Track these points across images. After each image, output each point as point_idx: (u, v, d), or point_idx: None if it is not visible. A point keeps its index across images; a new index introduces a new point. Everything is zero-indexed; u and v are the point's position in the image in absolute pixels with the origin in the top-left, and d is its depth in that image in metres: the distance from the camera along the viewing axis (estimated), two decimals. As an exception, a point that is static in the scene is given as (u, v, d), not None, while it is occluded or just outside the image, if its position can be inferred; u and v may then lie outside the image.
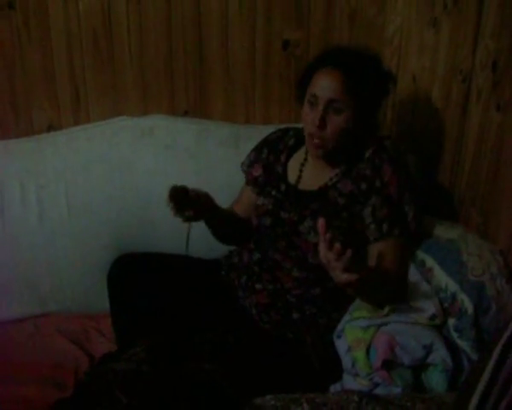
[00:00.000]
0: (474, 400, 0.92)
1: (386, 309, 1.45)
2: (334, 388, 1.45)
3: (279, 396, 1.21)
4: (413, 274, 1.50)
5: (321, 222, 1.29)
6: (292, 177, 1.67)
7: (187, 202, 1.49)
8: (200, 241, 1.88)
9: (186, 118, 2.02)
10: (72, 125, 2.00)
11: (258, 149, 1.76)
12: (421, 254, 1.53)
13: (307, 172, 1.66)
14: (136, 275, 1.68)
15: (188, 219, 1.53)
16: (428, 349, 1.34)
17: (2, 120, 1.99)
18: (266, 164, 1.72)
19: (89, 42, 1.93)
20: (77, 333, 1.82)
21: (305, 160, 1.66)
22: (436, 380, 1.34)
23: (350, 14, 1.97)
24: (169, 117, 1.99)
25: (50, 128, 2.01)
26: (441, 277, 1.43)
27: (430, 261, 1.49)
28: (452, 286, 1.38)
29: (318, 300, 1.54)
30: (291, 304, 1.55)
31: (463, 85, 1.64)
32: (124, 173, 1.88)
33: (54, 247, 1.87)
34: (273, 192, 1.66)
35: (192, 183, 1.84)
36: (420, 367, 1.36)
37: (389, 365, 1.35)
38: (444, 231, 1.53)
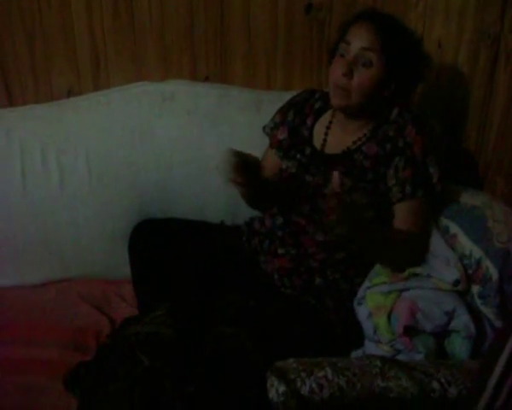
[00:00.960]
0: (498, 367, 0.91)
1: (407, 273, 1.44)
2: (356, 354, 1.45)
3: (301, 360, 1.21)
4: (436, 240, 1.48)
5: (335, 174, 1.33)
6: (317, 141, 1.64)
7: (244, 168, 1.46)
8: (220, 207, 1.90)
9: (207, 83, 1.99)
10: (92, 91, 1.98)
11: (283, 112, 1.74)
12: (445, 221, 1.51)
13: (332, 135, 1.63)
14: (157, 240, 1.68)
15: (240, 186, 1.51)
16: (451, 316, 1.33)
17: (23, 86, 1.98)
18: (292, 127, 1.70)
19: (109, 6, 1.90)
20: (98, 298, 1.83)
21: (331, 123, 1.64)
22: (459, 347, 1.33)
23: (375, -23, 1.93)
24: (190, 82, 1.96)
25: (70, 93, 1.99)
26: (466, 243, 1.42)
27: (454, 228, 1.47)
28: (477, 253, 1.37)
29: (341, 265, 1.54)
30: (314, 269, 1.54)
31: (491, 49, 1.61)
32: (144, 139, 1.87)
33: (75, 212, 1.87)
34: (298, 156, 1.64)
35: (213, 148, 1.86)
36: (442, 334, 1.35)
37: (411, 331, 1.35)
38: (469, 198, 1.51)
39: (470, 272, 1.39)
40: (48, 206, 1.86)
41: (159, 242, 1.69)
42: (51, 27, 1.91)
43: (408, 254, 1.48)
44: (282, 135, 1.71)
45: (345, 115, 1.57)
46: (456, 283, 1.37)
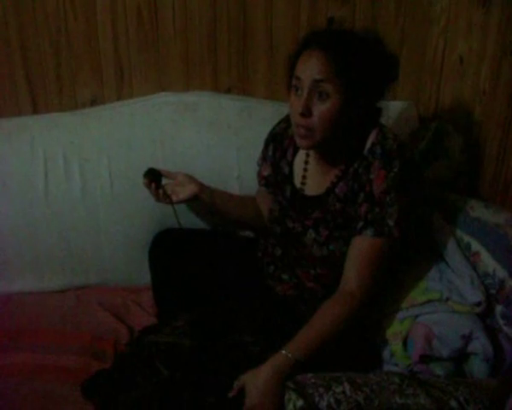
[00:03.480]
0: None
1: (424, 298, 1.43)
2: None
3: (320, 375, 1.21)
4: (460, 258, 1.47)
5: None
6: (297, 178, 1.56)
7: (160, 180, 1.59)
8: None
9: (229, 95, 2.01)
10: (116, 101, 2.01)
11: (265, 145, 1.69)
12: (466, 238, 1.50)
13: (311, 172, 1.54)
14: (177, 250, 1.69)
15: (169, 202, 1.61)
16: (467, 339, 1.32)
17: (47, 95, 2.01)
18: (273, 162, 1.65)
19: (133, 17, 1.93)
20: (117, 306, 1.84)
21: (308, 156, 1.55)
22: (477, 369, 1.32)
23: (397, -9, 1.93)
24: (212, 93, 1.98)
25: (94, 103, 2.02)
26: (489, 262, 1.40)
27: (476, 245, 1.46)
28: (500, 272, 1.36)
29: None
30: (317, 297, 1.50)
31: (514, 67, 1.61)
32: (166, 149, 1.89)
33: (96, 219, 1.89)
34: (279, 197, 1.60)
35: (234, 159, 1.87)
36: (460, 357, 1.34)
37: (427, 358, 1.34)
38: (491, 215, 1.50)
39: (493, 291, 1.38)
40: (70, 213, 1.88)
41: (179, 251, 1.70)
42: (76, 38, 1.94)
43: (340, 325, 1.36)
44: (266, 171, 1.69)
45: (317, 152, 1.49)
46: (479, 304, 1.36)
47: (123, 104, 1.98)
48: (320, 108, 1.34)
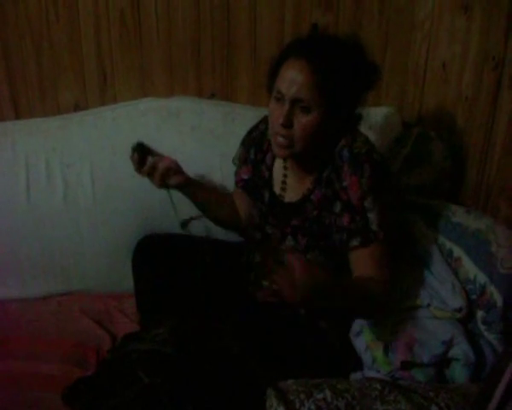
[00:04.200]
0: (498, 392, 0.91)
1: (404, 306, 1.43)
2: (355, 376, 1.45)
3: (301, 381, 1.20)
4: (441, 265, 1.48)
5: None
6: (277, 183, 1.55)
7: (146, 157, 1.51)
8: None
9: (212, 100, 2.01)
10: (99, 106, 2.00)
11: (245, 146, 1.67)
12: (448, 244, 1.50)
13: (290, 178, 1.53)
14: (160, 256, 1.68)
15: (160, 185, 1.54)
16: (448, 344, 1.32)
17: (29, 99, 2.00)
18: (254, 165, 1.63)
19: (116, 22, 1.92)
20: (100, 313, 1.83)
21: (285, 162, 1.53)
22: (458, 374, 1.33)
23: (380, -3, 1.94)
24: (195, 99, 1.98)
25: (77, 108, 2.01)
26: (470, 268, 1.41)
27: (458, 251, 1.46)
28: (481, 278, 1.36)
29: None
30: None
31: (495, 72, 1.61)
32: (149, 154, 1.88)
33: (78, 226, 1.88)
34: (258, 202, 1.59)
35: (217, 165, 1.86)
36: (442, 362, 1.34)
37: (408, 364, 1.34)
38: (472, 221, 1.50)
39: (474, 297, 1.38)
40: (52, 219, 1.87)
41: (162, 257, 1.69)
42: (59, 42, 1.93)
43: (372, 302, 1.37)
44: (245, 174, 1.66)
45: (294, 160, 1.48)
46: (460, 310, 1.37)
47: (106, 109, 1.97)
48: (301, 121, 1.34)
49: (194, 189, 1.64)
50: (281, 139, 1.36)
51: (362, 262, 1.39)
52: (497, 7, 1.59)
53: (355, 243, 1.37)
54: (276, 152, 1.41)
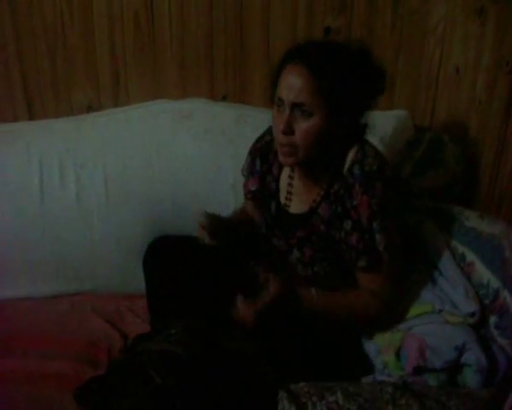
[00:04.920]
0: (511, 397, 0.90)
1: (416, 312, 1.43)
2: (367, 379, 1.44)
3: (313, 384, 1.21)
4: (454, 270, 1.47)
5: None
6: (283, 194, 1.54)
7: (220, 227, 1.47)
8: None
9: (224, 102, 2.01)
10: (112, 107, 2.02)
11: (252, 158, 1.65)
12: (461, 248, 1.50)
13: (296, 188, 1.52)
14: (171, 257, 1.68)
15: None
16: (460, 350, 1.32)
17: (43, 100, 2.01)
18: (261, 176, 1.61)
19: (130, 24, 1.93)
20: (111, 313, 1.83)
21: (293, 171, 1.52)
22: (471, 380, 1.32)
23: (394, 2, 1.93)
24: (208, 101, 1.98)
25: (90, 109, 2.02)
26: (483, 272, 1.40)
27: (471, 256, 1.46)
28: (495, 283, 1.36)
29: None
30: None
31: (509, 77, 1.62)
32: (161, 156, 1.89)
33: (91, 226, 1.88)
34: (265, 213, 1.58)
35: (229, 167, 1.87)
36: (454, 368, 1.34)
37: (420, 370, 1.34)
38: (485, 226, 1.50)
39: (487, 302, 1.38)
40: (64, 219, 1.88)
41: (173, 259, 1.69)
42: (73, 43, 1.95)
43: (362, 315, 1.41)
44: (253, 186, 1.64)
45: (301, 169, 1.47)
46: (472, 315, 1.36)
47: (119, 111, 1.98)
48: (302, 126, 1.32)
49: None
50: (284, 148, 1.36)
51: (366, 281, 1.41)
52: (511, 12, 1.59)
53: (362, 263, 1.38)
54: (282, 161, 1.41)
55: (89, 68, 1.98)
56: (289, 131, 1.33)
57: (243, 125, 1.91)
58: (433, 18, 1.92)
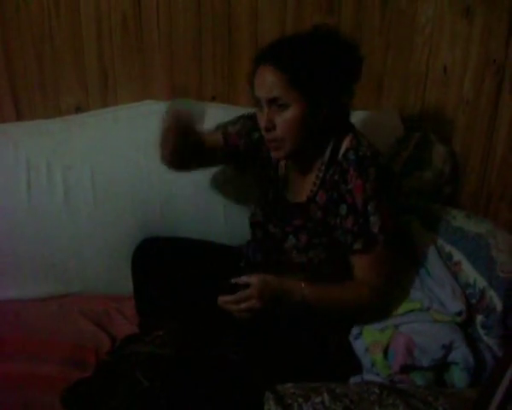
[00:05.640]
0: (498, 396, 0.90)
1: (403, 309, 1.43)
2: (355, 380, 1.44)
3: (299, 385, 1.20)
4: (440, 268, 1.47)
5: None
6: (281, 183, 1.58)
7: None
8: (223, 227, 1.89)
9: (213, 103, 2.01)
10: (100, 108, 2.01)
11: (247, 127, 1.64)
12: (448, 247, 1.50)
13: (292, 178, 1.56)
14: (160, 259, 1.68)
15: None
16: (448, 348, 1.32)
17: (31, 101, 2.00)
18: (254, 148, 1.62)
19: (118, 24, 1.92)
20: (99, 314, 1.82)
21: (288, 161, 1.56)
22: (458, 379, 1.32)
23: (382, 2, 1.93)
24: (197, 102, 1.97)
25: (78, 110, 2.01)
26: (469, 272, 1.41)
27: (458, 255, 1.46)
28: (481, 282, 1.36)
29: None
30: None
31: (496, 76, 1.62)
32: (149, 157, 1.85)
33: (78, 227, 1.87)
34: (262, 201, 1.60)
35: (217, 168, 1.86)
36: (441, 366, 1.34)
37: (408, 368, 1.34)
38: (472, 225, 1.50)
39: (474, 301, 1.38)
40: (52, 220, 1.86)
41: (162, 260, 1.69)
42: (61, 44, 1.93)
43: (353, 305, 1.43)
44: (242, 147, 1.65)
45: (294, 160, 1.51)
46: (459, 314, 1.36)
47: (107, 111, 1.98)
48: (282, 118, 1.36)
49: None
50: (271, 143, 1.41)
51: (361, 266, 1.42)
52: (498, 11, 1.60)
53: (358, 246, 1.39)
54: (272, 156, 1.46)
55: (77, 69, 1.97)
56: (271, 126, 1.37)
57: (232, 125, 1.90)
58: (421, 18, 1.93)
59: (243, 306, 1.33)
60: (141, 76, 1.99)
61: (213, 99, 2.02)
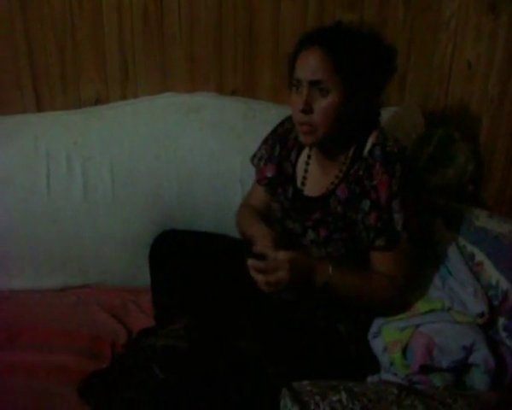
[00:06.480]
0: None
1: (425, 308, 1.41)
2: (372, 379, 1.43)
3: (317, 382, 1.19)
4: (462, 268, 1.45)
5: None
6: (299, 179, 1.57)
7: None
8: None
9: (233, 97, 1.99)
10: (120, 100, 2.01)
11: (269, 144, 1.67)
12: (470, 247, 1.47)
13: (311, 173, 1.55)
14: (177, 252, 1.68)
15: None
16: (469, 350, 1.29)
17: (51, 92, 2.00)
18: (279, 162, 1.63)
19: (139, 17, 1.92)
20: (116, 306, 1.83)
21: (309, 157, 1.56)
22: (478, 381, 1.30)
23: (406, -4, 1.91)
24: (216, 95, 1.97)
25: (98, 102, 2.01)
26: (492, 273, 1.38)
27: (480, 255, 1.43)
28: (504, 284, 1.33)
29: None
30: (315, 302, 1.48)
31: (523, 73, 1.58)
32: (169, 150, 1.88)
33: (97, 219, 1.88)
34: (281, 197, 1.59)
35: (237, 162, 1.85)
36: (461, 368, 1.32)
37: (427, 369, 1.32)
38: (495, 225, 1.47)
39: (496, 303, 1.35)
40: (71, 212, 1.87)
41: (179, 253, 1.68)
42: (82, 36, 1.93)
43: (375, 296, 1.42)
44: (270, 172, 1.65)
45: (319, 150, 1.50)
46: (481, 315, 1.34)
47: (127, 103, 1.98)
48: (321, 104, 1.36)
49: None
50: (304, 127, 1.39)
51: (382, 262, 1.41)
52: (525, 6, 1.56)
53: (380, 242, 1.38)
54: (302, 140, 1.44)
55: (97, 61, 1.97)
56: (308, 109, 1.36)
57: (251, 120, 1.90)
58: (446, 13, 1.90)
59: (271, 278, 1.31)
60: (161, 68, 1.98)
61: (233, 93, 2.01)
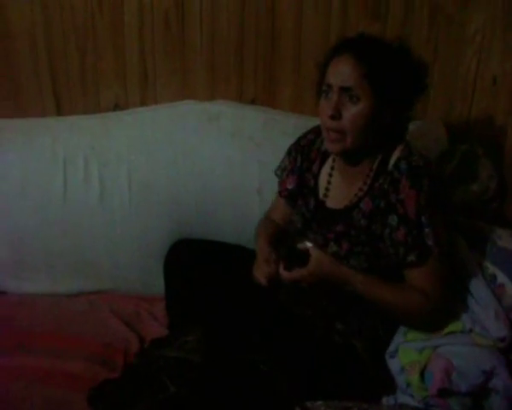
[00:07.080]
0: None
1: (446, 330, 1.38)
2: (388, 400, 1.39)
3: (330, 403, 1.18)
4: (484, 290, 1.41)
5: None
6: (321, 190, 1.56)
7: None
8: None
9: (253, 106, 1.98)
10: (139, 106, 2.00)
11: (292, 156, 1.65)
12: (491, 268, 1.44)
13: (335, 184, 1.54)
14: (192, 261, 1.67)
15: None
16: (488, 375, 1.26)
17: (71, 97, 2.01)
18: (300, 174, 1.61)
19: (160, 24, 1.91)
20: (129, 314, 1.82)
21: (332, 169, 1.54)
22: (497, 407, 1.26)
23: (430, 9, 1.87)
24: (236, 104, 1.95)
25: (117, 107, 2.01)
26: (515, 295, 1.35)
27: (502, 277, 1.40)
28: (526, 307, 1.30)
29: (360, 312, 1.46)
30: (333, 315, 1.46)
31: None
32: (187, 157, 1.86)
33: (113, 226, 1.87)
34: (303, 209, 1.57)
35: (255, 172, 1.84)
36: (480, 393, 1.28)
37: (445, 392, 1.28)
38: (518, 245, 1.44)
39: (519, 326, 1.32)
40: (86, 217, 1.87)
41: (194, 262, 1.67)
42: (103, 41, 1.94)
43: (408, 309, 1.38)
44: (291, 184, 1.63)
45: (344, 161, 1.48)
46: (503, 339, 1.30)
47: (145, 110, 1.97)
48: (350, 111, 1.35)
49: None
50: (332, 134, 1.38)
51: (415, 278, 1.38)
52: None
53: (412, 258, 1.35)
54: (329, 148, 1.43)
55: (117, 66, 1.97)
56: (337, 115, 1.36)
57: (271, 129, 1.88)
58: (471, 27, 1.86)
59: (295, 275, 1.39)
60: (181, 75, 1.97)
61: (253, 102, 1.99)
